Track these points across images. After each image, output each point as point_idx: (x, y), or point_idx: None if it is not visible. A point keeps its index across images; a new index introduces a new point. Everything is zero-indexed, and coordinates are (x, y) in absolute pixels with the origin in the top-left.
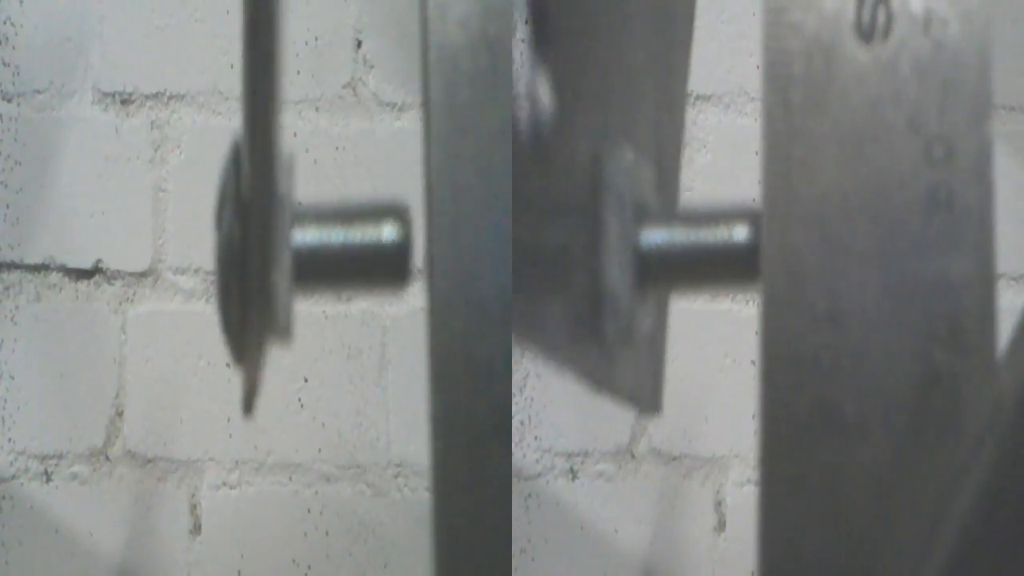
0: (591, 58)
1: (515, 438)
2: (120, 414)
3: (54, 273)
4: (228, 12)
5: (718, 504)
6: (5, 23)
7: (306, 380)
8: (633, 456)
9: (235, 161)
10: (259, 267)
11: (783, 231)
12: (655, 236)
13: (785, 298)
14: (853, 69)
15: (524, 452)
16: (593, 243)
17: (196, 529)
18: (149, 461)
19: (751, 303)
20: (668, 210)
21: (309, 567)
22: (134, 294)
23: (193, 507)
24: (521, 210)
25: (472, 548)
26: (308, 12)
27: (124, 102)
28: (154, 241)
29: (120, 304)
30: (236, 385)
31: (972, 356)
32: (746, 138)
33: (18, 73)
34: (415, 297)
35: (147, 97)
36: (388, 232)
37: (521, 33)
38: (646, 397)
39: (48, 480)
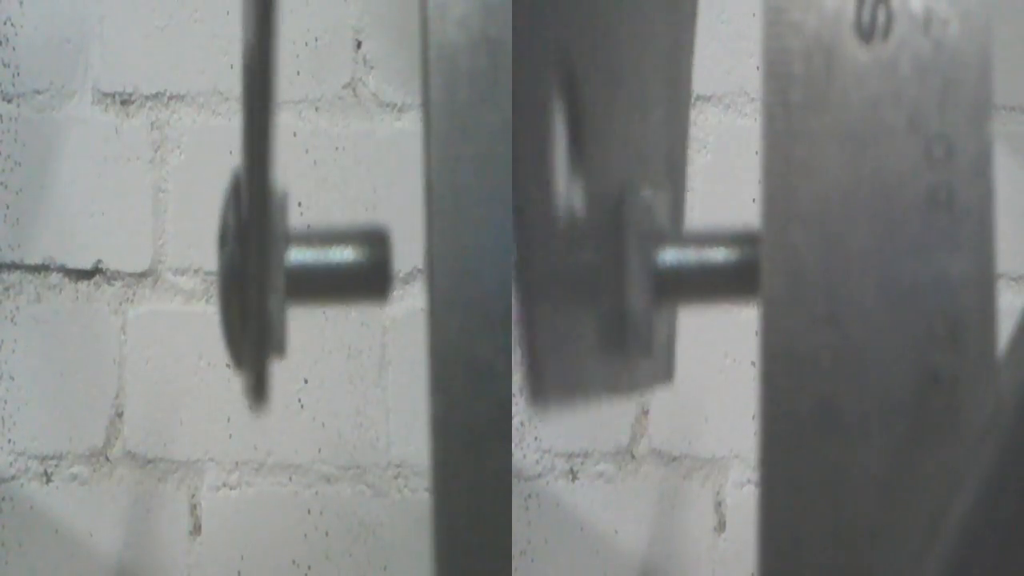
0: (615, 110)
1: (515, 438)
2: (120, 415)
3: (54, 274)
4: (228, 12)
5: (718, 504)
6: (5, 23)
7: (306, 381)
8: (633, 457)
9: (236, 191)
10: (255, 289)
11: (783, 231)
12: (669, 256)
13: (785, 298)
14: (853, 69)
15: (524, 452)
16: (618, 271)
17: (196, 530)
18: (149, 462)
19: (749, 302)
20: (679, 230)
21: (309, 568)
22: (134, 294)
23: (193, 508)
24: (553, 242)
25: (472, 548)
26: (308, 12)
27: (124, 102)
28: (154, 241)
29: (120, 304)
30: (236, 386)
31: (972, 356)
32: (746, 138)
33: (18, 73)
34: (415, 297)
35: (147, 97)
36: (368, 254)
37: (560, 147)
38: (661, 374)
39: (48, 481)
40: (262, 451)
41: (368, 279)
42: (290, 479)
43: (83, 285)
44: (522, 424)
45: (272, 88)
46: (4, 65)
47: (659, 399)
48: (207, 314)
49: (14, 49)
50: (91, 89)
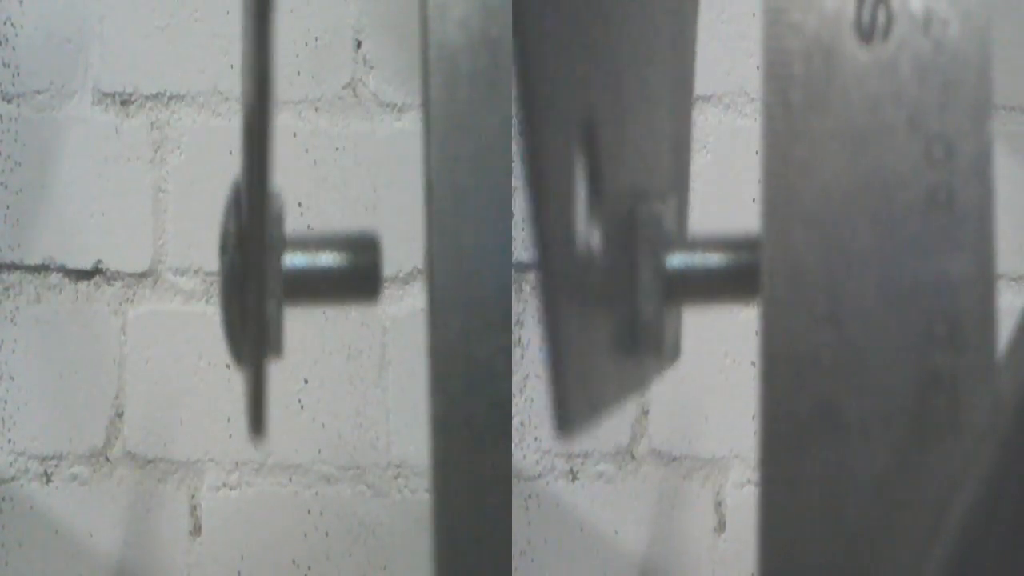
0: (626, 133)
1: (515, 438)
2: (120, 415)
3: (54, 274)
4: (228, 12)
5: (718, 505)
6: (5, 23)
7: (306, 381)
8: (633, 457)
9: (236, 199)
10: (254, 293)
11: (783, 231)
12: (677, 261)
13: (785, 298)
14: (853, 69)
15: (524, 452)
16: (630, 278)
17: (196, 530)
18: (149, 462)
19: (751, 304)
20: (684, 234)
21: (309, 568)
22: (134, 295)
23: (193, 508)
24: (574, 271)
25: (472, 548)
26: (308, 12)
27: (124, 102)
28: (154, 242)
29: (120, 305)
30: (236, 386)
31: (972, 356)
32: (746, 138)
33: (18, 73)
34: (415, 297)
35: (147, 97)
36: (359, 259)
37: (581, 190)
38: (668, 357)
39: (48, 481)
40: (262, 451)
41: (359, 282)
42: (290, 479)
43: (83, 285)
44: (522, 424)
45: (270, 119)
46: (4, 65)
47: (659, 399)
48: (207, 314)
49: (14, 49)
50: (91, 89)
